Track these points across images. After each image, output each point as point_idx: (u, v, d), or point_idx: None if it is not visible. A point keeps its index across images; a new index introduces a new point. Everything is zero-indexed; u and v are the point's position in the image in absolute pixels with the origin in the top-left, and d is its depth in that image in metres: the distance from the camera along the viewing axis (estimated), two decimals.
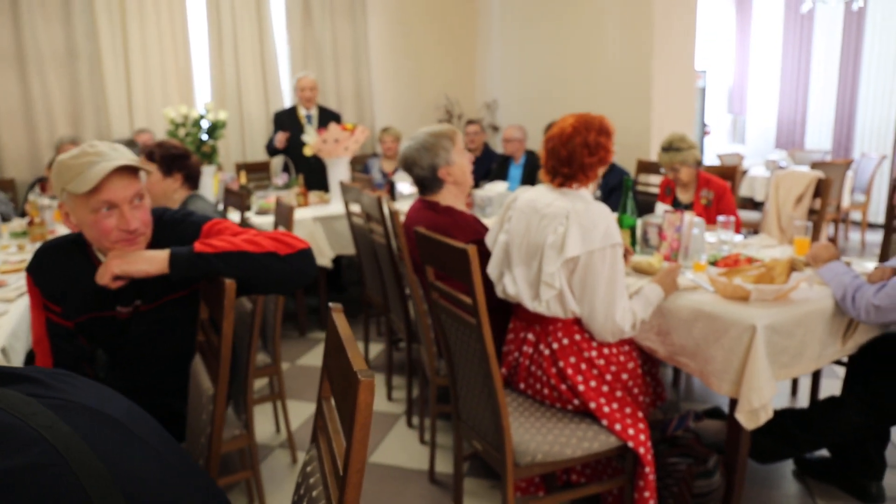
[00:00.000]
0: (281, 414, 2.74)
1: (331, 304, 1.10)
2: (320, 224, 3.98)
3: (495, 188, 3.60)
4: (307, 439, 2.78)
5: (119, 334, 1.67)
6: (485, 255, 2.23)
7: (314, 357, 3.75)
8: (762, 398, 1.70)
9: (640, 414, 1.88)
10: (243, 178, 4.19)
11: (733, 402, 1.81)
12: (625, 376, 1.90)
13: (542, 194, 1.97)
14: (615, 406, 1.84)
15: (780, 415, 2.04)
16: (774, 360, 1.76)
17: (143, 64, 5.03)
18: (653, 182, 4.35)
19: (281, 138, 4.62)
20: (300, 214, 3.93)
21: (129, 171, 1.47)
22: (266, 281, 1.54)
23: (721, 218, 2.56)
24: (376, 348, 3.79)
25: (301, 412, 3.04)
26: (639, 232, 2.56)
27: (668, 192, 3.59)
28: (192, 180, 2.58)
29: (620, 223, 2.54)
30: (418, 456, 2.63)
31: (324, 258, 3.96)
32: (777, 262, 1.99)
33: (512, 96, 6.01)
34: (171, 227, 1.62)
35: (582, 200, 1.88)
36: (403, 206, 3.67)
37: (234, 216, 3.33)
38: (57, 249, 1.62)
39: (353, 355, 0.89)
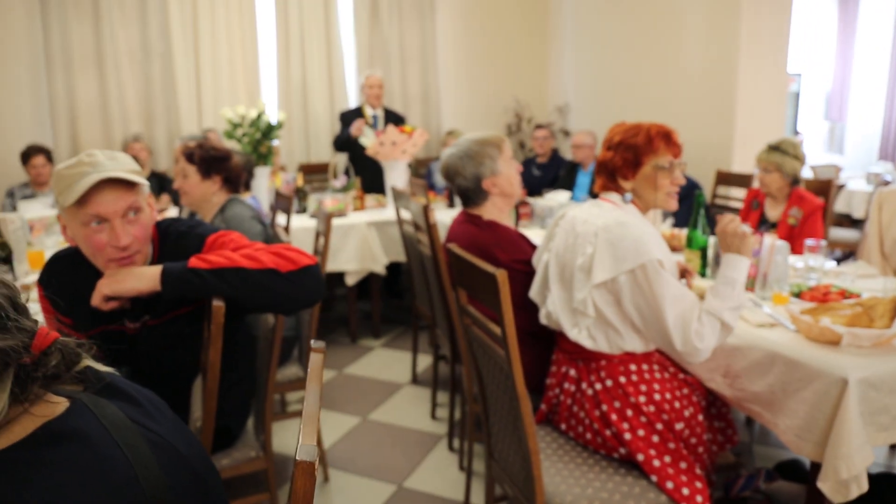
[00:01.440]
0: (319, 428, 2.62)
1: (313, 344, 0.93)
2: (375, 229, 3.86)
3: (556, 198, 3.36)
4: (343, 456, 2.65)
5: (128, 349, 1.58)
6: (531, 275, 2.02)
7: (363, 366, 3.63)
8: (853, 468, 1.40)
9: (699, 470, 1.62)
10: (300, 180, 4.14)
11: (816, 465, 1.52)
12: (679, 426, 1.64)
13: (586, 210, 1.73)
14: (667, 460, 1.58)
15: (875, 481, 1.71)
16: (870, 422, 1.46)
17: (213, 63, 5.09)
18: (735, 196, 3.97)
19: (360, 124, 4.51)
20: (355, 218, 3.83)
21: (123, 183, 1.36)
22: (263, 299, 1.39)
23: (810, 241, 2.23)
24: (426, 360, 3.63)
25: (341, 426, 2.92)
26: (711, 253, 2.27)
27: (754, 206, 3.25)
28: (232, 183, 2.50)
29: (689, 242, 2.26)
30: (455, 484, 2.45)
31: (377, 264, 3.84)
32: (878, 299, 1.67)
33: (585, 100, 5.72)
34: (176, 240, 1.50)
35: (613, 213, 1.65)
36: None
37: (281, 220, 3.25)
38: (66, 260, 1.54)
39: (306, 423, 0.72)
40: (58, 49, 4.74)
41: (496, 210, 2.19)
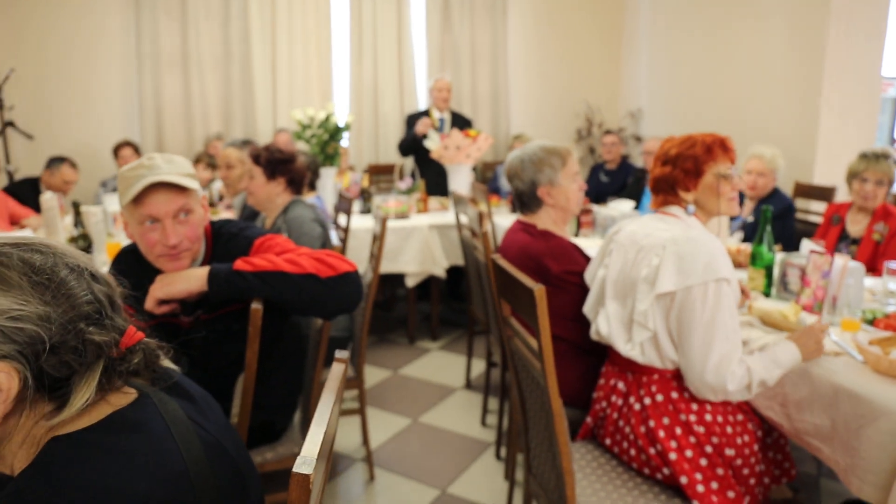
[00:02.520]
0: (368, 427, 2.67)
1: (336, 354, 0.94)
2: (436, 232, 3.88)
3: (619, 207, 3.27)
4: (390, 456, 2.68)
5: (183, 341, 1.66)
6: (584, 287, 1.98)
7: (418, 368, 3.66)
8: None
9: (748, 501, 1.53)
10: (366, 181, 4.21)
11: None
12: (730, 452, 1.56)
13: (645, 224, 1.69)
14: (714, 486, 1.51)
15: None
16: None
17: (288, 66, 5.26)
18: (815, 210, 3.75)
19: (426, 122, 4.56)
20: (417, 221, 3.87)
21: (176, 186, 1.43)
22: (302, 303, 1.43)
23: (892, 264, 2.07)
24: (480, 365, 3.62)
25: (391, 426, 2.95)
26: (777, 272, 2.15)
27: (835, 221, 3.05)
28: (296, 185, 2.58)
29: (754, 260, 2.15)
30: (499, 494, 2.43)
31: (437, 267, 3.86)
32: None
33: (659, 105, 5.54)
34: (227, 241, 1.57)
35: (683, 227, 1.62)
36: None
37: (343, 220, 3.31)
38: (131, 254, 1.63)
39: (313, 433, 0.73)
40: (148, 50, 5.03)
41: (550, 220, 2.16)
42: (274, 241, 1.55)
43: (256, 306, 1.28)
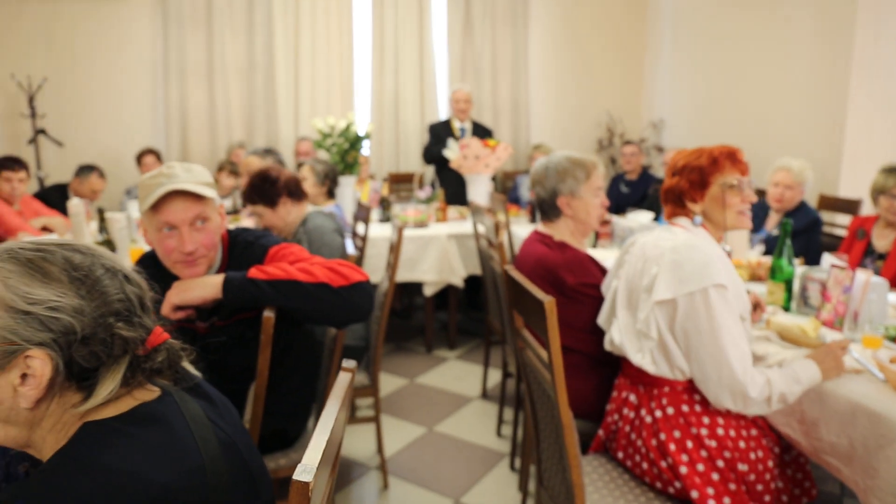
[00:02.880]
0: (383, 435, 2.68)
1: (343, 363, 0.95)
2: (455, 241, 3.89)
3: (638, 219, 3.25)
4: (404, 465, 2.68)
5: (200, 347, 1.68)
6: (599, 300, 1.97)
7: (435, 377, 3.66)
8: None
9: None
10: (385, 190, 4.23)
11: None
12: (743, 467, 1.53)
13: (655, 235, 1.70)
14: (726, 501, 1.49)
15: None
16: None
17: (311, 76, 5.33)
18: (840, 223, 3.68)
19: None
20: (436, 230, 3.88)
21: (193, 194, 1.46)
22: (315, 311, 1.45)
23: None
24: (497, 375, 3.61)
25: (406, 434, 2.96)
26: (797, 286, 2.12)
27: (860, 235, 3.00)
28: (295, 193, 2.56)
29: (773, 274, 2.12)
30: None
31: (455, 276, 3.87)
32: None
33: (681, 116, 5.50)
34: (243, 249, 1.60)
35: (683, 237, 1.62)
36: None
37: (361, 229, 3.34)
38: (151, 260, 1.66)
39: (315, 442, 0.73)
40: (174, 60, 5.14)
41: (568, 232, 2.15)
42: (288, 249, 1.57)
43: (268, 314, 1.30)
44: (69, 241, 0.86)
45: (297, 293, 1.43)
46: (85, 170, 4.33)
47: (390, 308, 4.85)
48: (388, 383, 3.54)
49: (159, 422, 0.81)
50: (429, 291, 3.90)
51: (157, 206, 1.44)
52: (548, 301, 1.30)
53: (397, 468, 2.66)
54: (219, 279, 1.46)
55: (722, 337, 1.50)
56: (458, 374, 3.69)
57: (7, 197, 3.59)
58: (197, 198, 1.46)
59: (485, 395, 3.40)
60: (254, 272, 1.45)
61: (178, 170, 1.45)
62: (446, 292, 4.17)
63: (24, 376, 0.77)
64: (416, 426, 3.04)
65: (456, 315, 4.16)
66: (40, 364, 0.77)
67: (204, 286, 1.46)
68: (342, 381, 0.90)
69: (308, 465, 0.67)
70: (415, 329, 4.56)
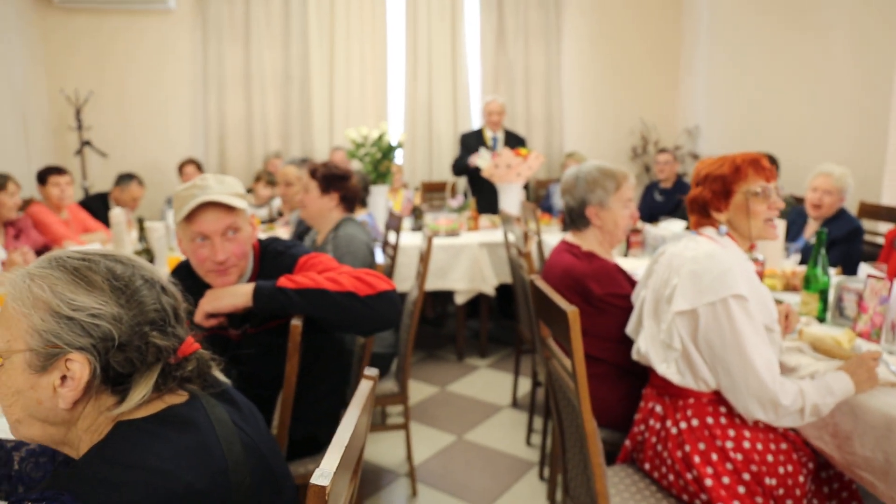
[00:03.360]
0: (413, 442, 2.70)
1: (365, 371, 0.98)
2: (486, 250, 3.90)
3: (670, 227, 3.21)
4: (434, 473, 2.70)
5: (233, 353, 1.73)
6: (627, 310, 1.97)
7: (466, 385, 3.67)
8: None
9: None
10: (417, 199, 4.27)
11: None
12: (771, 481, 1.51)
13: (682, 245, 1.70)
14: None
15: None
16: None
17: (346, 86, 5.42)
18: (882, 231, 3.57)
19: (474, 159, 4.59)
20: (467, 239, 3.90)
21: (225, 205, 1.50)
22: (342, 320, 1.49)
23: None
24: (527, 384, 3.60)
25: (436, 442, 2.97)
26: (832, 297, 2.07)
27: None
28: (348, 202, 2.63)
29: (807, 284, 2.07)
30: None
31: (486, 285, 3.88)
32: None
33: (717, 123, 5.42)
34: (273, 258, 1.64)
35: (706, 247, 1.61)
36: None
37: (393, 238, 3.37)
38: (186, 269, 1.72)
39: (334, 447, 0.76)
40: (213, 72, 5.29)
41: (596, 242, 2.15)
42: (317, 259, 1.61)
43: (296, 322, 1.34)
44: (112, 251, 0.91)
45: (325, 302, 1.47)
46: (125, 178, 4.48)
47: (423, 316, 4.89)
48: (419, 391, 3.57)
49: (187, 424, 0.86)
50: (460, 300, 3.92)
51: (190, 217, 1.50)
52: (571, 311, 1.31)
53: (426, 476, 2.68)
54: (249, 288, 1.51)
55: (746, 346, 1.49)
56: (488, 383, 3.69)
57: (57, 201, 3.74)
58: (228, 209, 1.52)
59: (515, 404, 3.39)
60: (283, 281, 1.49)
61: (211, 181, 1.51)
62: (478, 301, 4.18)
63: (63, 378, 0.82)
64: (446, 434, 3.06)
65: (487, 324, 4.16)
66: (79, 367, 0.82)
67: (235, 295, 1.51)
68: (364, 388, 0.93)
69: (325, 470, 0.69)
70: (447, 337, 4.58)
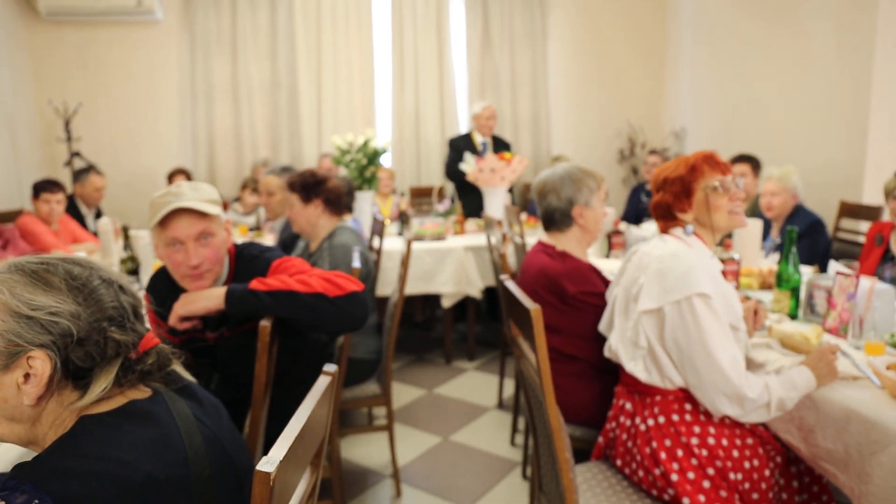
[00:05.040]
0: (397, 444, 2.73)
1: (325, 367, 1.01)
2: (472, 253, 3.94)
3: (651, 228, 3.25)
4: (418, 473, 2.72)
5: (211, 356, 1.77)
6: (601, 308, 2.00)
7: (453, 387, 3.70)
8: None
9: None
10: (403, 204, 4.31)
11: None
12: (736, 476, 1.54)
13: (652, 244, 1.73)
14: None
15: None
16: None
17: (333, 94, 5.46)
18: (863, 230, 3.62)
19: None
20: (452, 243, 3.93)
21: (198, 211, 1.54)
22: (312, 320, 1.52)
23: None
24: (512, 385, 3.63)
25: (421, 444, 3.00)
26: (803, 294, 2.11)
27: (878, 242, 2.96)
28: (333, 204, 2.63)
29: (778, 282, 2.11)
30: None
31: (472, 288, 3.91)
32: None
33: (702, 124, 5.47)
34: (248, 262, 1.68)
35: (673, 245, 1.65)
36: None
37: (376, 242, 3.41)
38: (164, 274, 1.75)
39: (285, 437, 0.79)
40: (202, 81, 5.33)
41: (574, 241, 2.18)
42: (290, 262, 1.65)
43: (264, 324, 1.37)
44: (71, 256, 0.95)
45: (295, 303, 1.50)
46: (82, 173, 4.38)
47: (412, 320, 4.92)
48: (407, 394, 3.59)
49: (148, 417, 0.89)
50: (446, 303, 3.95)
51: (164, 223, 1.53)
52: (534, 309, 1.34)
53: (411, 477, 2.71)
54: (222, 291, 1.54)
55: (710, 343, 1.52)
56: (475, 385, 3.72)
57: (46, 217, 3.77)
58: (202, 215, 1.55)
59: (501, 405, 3.42)
60: (254, 284, 1.53)
61: (185, 188, 1.54)
62: (467, 304, 4.21)
63: (27, 376, 0.86)
64: (431, 436, 3.08)
65: (475, 326, 4.19)
66: (41, 364, 0.85)
67: (208, 298, 1.55)
68: (321, 383, 0.96)
69: (272, 458, 0.72)
70: (435, 341, 4.61)
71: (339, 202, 2.68)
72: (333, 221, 2.68)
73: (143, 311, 0.98)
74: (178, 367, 1.02)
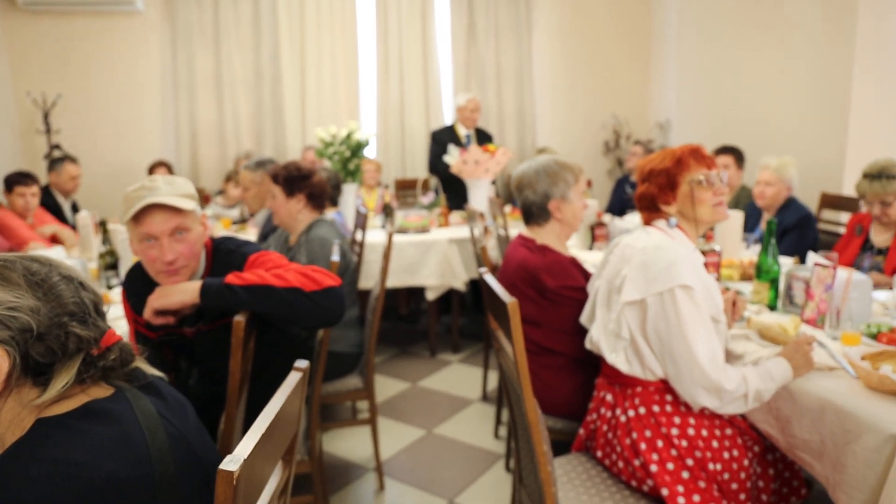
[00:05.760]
0: (381, 437, 2.72)
1: (296, 363, 0.99)
2: (456, 246, 3.93)
3: (634, 220, 3.26)
4: (402, 467, 2.72)
5: (190, 351, 1.75)
6: (582, 302, 2.00)
7: (437, 380, 3.70)
8: None
9: None
10: (387, 197, 4.29)
11: None
12: (715, 466, 1.55)
13: (634, 236, 1.73)
14: (696, 499, 1.50)
15: None
16: None
17: (317, 85, 5.42)
18: (843, 221, 3.65)
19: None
20: (437, 235, 3.92)
21: (173, 206, 1.51)
22: (288, 314, 1.51)
23: None
24: (496, 377, 3.63)
25: (405, 437, 3.00)
26: (782, 285, 2.12)
27: (857, 232, 2.98)
28: (316, 199, 2.61)
29: (758, 273, 2.12)
30: None
31: (457, 280, 3.90)
32: None
33: (687, 116, 5.49)
34: (225, 256, 1.65)
35: (656, 238, 1.66)
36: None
37: (359, 235, 3.39)
38: (140, 269, 1.72)
39: (251, 433, 0.78)
40: (183, 74, 5.26)
41: (553, 235, 2.18)
42: (267, 256, 1.63)
43: (238, 319, 1.35)
44: (30, 254, 0.94)
45: (271, 297, 1.48)
46: (56, 162, 4.28)
47: (397, 313, 4.91)
48: (391, 387, 3.59)
49: (109, 416, 0.88)
50: (431, 296, 3.94)
51: (138, 218, 1.50)
52: (510, 302, 1.33)
53: (395, 470, 2.71)
54: (197, 285, 1.52)
55: (689, 336, 1.53)
56: (460, 377, 3.72)
57: (21, 211, 3.71)
58: (176, 210, 1.53)
59: (485, 397, 3.43)
60: (231, 278, 1.51)
61: (159, 183, 1.52)
62: (451, 297, 4.21)
63: None
64: (415, 429, 3.08)
65: (459, 319, 4.19)
66: None
67: (183, 291, 1.53)
68: (291, 379, 0.95)
69: (236, 456, 0.71)
70: (420, 334, 4.60)
71: (322, 198, 2.66)
72: (314, 215, 2.66)
73: (105, 307, 0.97)
74: (142, 364, 1.00)
